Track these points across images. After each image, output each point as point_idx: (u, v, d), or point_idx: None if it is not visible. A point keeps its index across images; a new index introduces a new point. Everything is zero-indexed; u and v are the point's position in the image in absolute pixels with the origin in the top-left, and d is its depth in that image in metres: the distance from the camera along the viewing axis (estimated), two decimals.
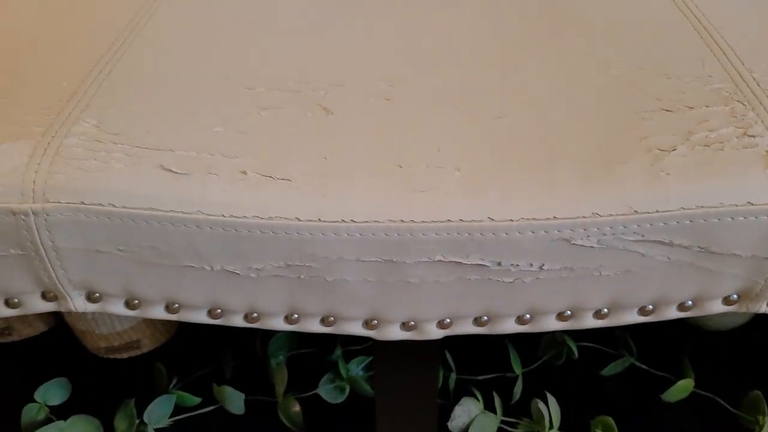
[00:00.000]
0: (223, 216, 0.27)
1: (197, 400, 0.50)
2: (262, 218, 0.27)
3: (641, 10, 0.37)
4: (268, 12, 0.38)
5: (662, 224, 0.27)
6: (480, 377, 0.53)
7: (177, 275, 0.29)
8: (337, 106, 0.31)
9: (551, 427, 0.47)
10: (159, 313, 0.31)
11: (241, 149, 0.28)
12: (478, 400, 0.48)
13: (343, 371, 0.50)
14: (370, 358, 0.52)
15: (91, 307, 0.31)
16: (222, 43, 0.36)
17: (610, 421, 0.48)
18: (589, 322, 0.31)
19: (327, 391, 0.50)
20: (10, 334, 0.54)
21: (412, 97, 0.31)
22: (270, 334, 0.54)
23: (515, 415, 0.50)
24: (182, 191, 0.27)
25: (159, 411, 0.48)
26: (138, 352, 0.54)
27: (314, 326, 0.31)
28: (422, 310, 0.30)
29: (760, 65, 0.31)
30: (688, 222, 0.27)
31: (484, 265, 0.28)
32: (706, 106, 0.29)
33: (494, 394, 0.49)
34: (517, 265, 0.28)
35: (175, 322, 0.56)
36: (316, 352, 0.54)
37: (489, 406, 0.49)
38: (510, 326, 0.31)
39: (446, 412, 0.48)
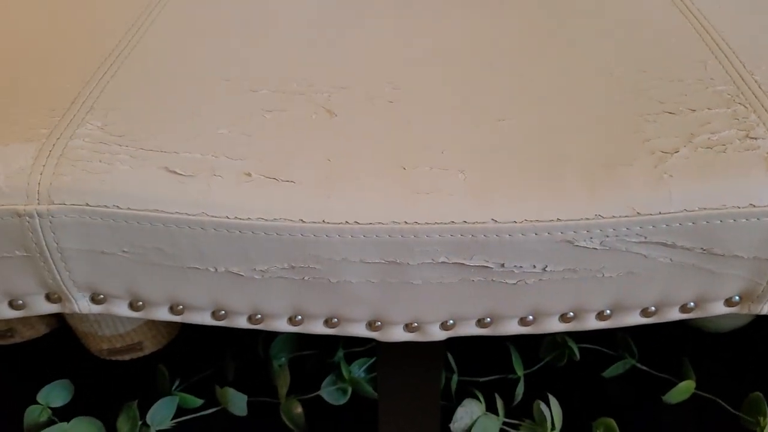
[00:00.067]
0: (228, 218, 0.27)
1: (200, 401, 0.50)
2: (266, 220, 0.27)
3: (643, 13, 0.37)
4: (271, 14, 0.39)
5: (665, 226, 0.27)
6: (482, 379, 0.54)
7: (181, 277, 0.29)
8: (341, 109, 0.31)
9: (553, 428, 0.47)
10: (163, 314, 0.31)
11: (245, 151, 0.28)
12: (480, 401, 0.49)
13: (345, 373, 0.50)
14: (373, 360, 0.52)
15: (95, 309, 0.31)
16: (225, 45, 0.36)
17: (612, 422, 0.48)
18: (592, 323, 0.31)
19: (329, 393, 0.50)
20: (12, 336, 0.55)
21: (415, 100, 0.31)
22: (272, 335, 0.54)
23: (517, 417, 0.50)
24: (187, 193, 0.27)
25: (161, 413, 0.48)
26: (140, 354, 0.54)
27: (318, 328, 0.31)
28: (425, 312, 0.30)
29: (762, 67, 0.32)
30: (690, 224, 0.27)
31: (488, 267, 0.28)
32: (708, 109, 0.30)
33: (496, 395, 0.49)
34: (521, 267, 0.28)
35: (177, 324, 0.56)
36: (318, 354, 0.54)
37: (491, 408, 0.49)
38: (513, 328, 0.31)
39: (448, 414, 0.48)
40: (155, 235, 0.28)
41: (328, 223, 0.27)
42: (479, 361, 0.54)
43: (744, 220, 0.27)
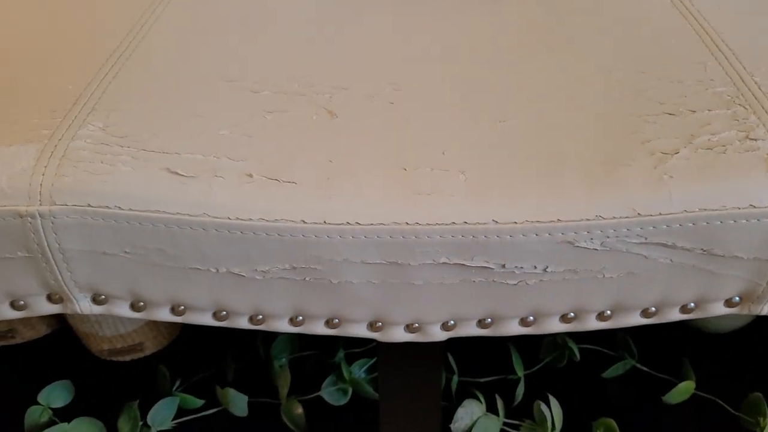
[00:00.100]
0: (229, 218, 0.27)
1: (200, 402, 0.51)
2: (267, 221, 0.27)
3: (643, 13, 0.37)
4: (272, 14, 0.39)
5: (665, 227, 0.27)
6: (482, 379, 0.54)
7: (183, 277, 0.29)
8: (342, 110, 0.31)
9: (553, 428, 0.47)
10: (164, 315, 0.31)
11: (246, 152, 0.28)
12: (481, 402, 0.49)
13: (345, 373, 0.50)
14: (373, 361, 0.52)
15: (96, 310, 0.31)
16: (226, 45, 0.36)
17: (612, 422, 0.48)
18: (592, 324, 0.31)
19: (330, 394, 0.50)
20: (13, 336, 0.55)
21: (416, 101, 0.31)
22: (272, 336, 0.54)
23: (517, 417, 0.50)
24: (188, 194, 0.27)
25: (162, 413, 0.48)
26: (141, 355, 0.55)
27: (319, 328, 0.31)
28: (426, 312, 0.30)
29: (761, 69, 0.32)
30: (690, 225, 0.27)
31: (489, 268, 0.28)
32: (708, 110, 0.30)
33: (496, 396, 0.49)
34: (521, 268, 0.28)
35: (178, 325, 0.57)
36: (318, 355, 0.54)
37: (491, 408, 0.49)
38: (513, 328, 0.31)
39: (449, 414, 0.48)
40: (157, 235, 0.28)
41: (329, 223, 0.27)
42: (479, 362, 0.55)
43: (744, 221, 0.27)
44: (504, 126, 0.30)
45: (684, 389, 0.50)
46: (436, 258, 0.28)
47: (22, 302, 0.31)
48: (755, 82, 0.31)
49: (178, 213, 0.27)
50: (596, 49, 0.35)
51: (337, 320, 0.31)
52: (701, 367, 0.53)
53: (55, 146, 0.28)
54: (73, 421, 0.47)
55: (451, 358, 0.53)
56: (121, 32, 0.36)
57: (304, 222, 0.27)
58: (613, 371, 0.54)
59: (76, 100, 0.31)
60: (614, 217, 0.27)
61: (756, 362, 0.56)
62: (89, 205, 0.27)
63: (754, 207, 0.27)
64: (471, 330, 0.31)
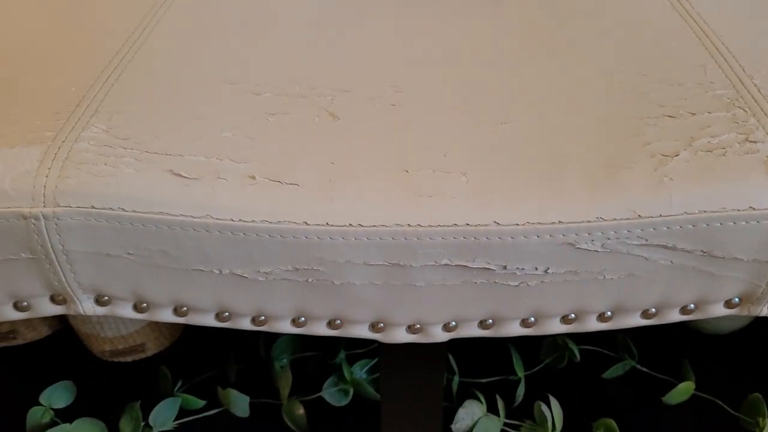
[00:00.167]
0: (232, 220, 0.27)
1: (202, 403, 0.51)
2: (270, 222, 0.27)
3: (643, 16, 0.38)
4: (274, 16, 0.39)
5: (665, 229, 0.27)
6: (483, 380, 0.54)
7: (186, 279, 0.29)
8: (344, 112, 0.31)
9: (554, 429, 0.48)
10: (167, 316, 0.31)
11: (249, 154, 0.29)
12: (481, 402, 0.49)
13: (347, 374, 0.51)
14: (374, 361, 0.52)
15: (99, 311, 0.31)
16: (229, 47, 0.36)
17: (612, 423, 0.48)
18: (593, 325, 0.31)
19: (331, 394, 0.51)
20: (14, 337, 0.55)
21: (418, 103, 0.32)
22: (273, 337, 0.54)
23: (518, 418, 0.50)
24: (192, 196, 0.27)
25: (164, 414, 0.48)
26: (142, 356, 0.55)
27: (321, 329, 0.31)
28: (428, 313, 0.30)
29: (761, 72, 0.32)
30: (690, 226, 0.27)
31: (490, 269, 0.28)
32: (708, 112, 0.30)
33: (497, 396, 0.49)
34: (523, 269, 0.28)
35: (180, 326, 0.57)
36: (319, 355, 0.55)
37: (492, 409, 0.49)
38: (515, 329, 0.31)
39: (450, 415, 0.49)
40: (160, 237, 0.28)
41: (331, 225, 0.27)
42: (480, 363, 0.55)
43: (744, 222, 0.27)
44: (505, 128, 0.30)
45: (684, 390, 0.50)
46: (437, 259, 0.28)
47: (26, 303, 0.31)
48: (755, 85, 0.31)
49: (181, 215, 0.27)
50: (597, 52, 0.35)
51: (339, 321, 0.31)
52: (701, 368, 0.53)
53: (59, 148, 0.29)
54: (75, 422, 0.47)
55: (451, 359, 0.53)
56: (123, 34, 0.36)
57: (307, 224, 0.27)
58: (613, 372, 0.54)
59: (79, 102, 0.31)
60: (615, 219, 0.27)
61: (755, 363, 0.57)
62: (93, 207, 0.27)
63: (754, 209, 0.27)
64: (472, 331, 0.31)
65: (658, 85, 0.32)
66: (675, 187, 0.27)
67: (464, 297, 0.29)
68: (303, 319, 0.31)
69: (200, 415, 0.51)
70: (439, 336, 0.31)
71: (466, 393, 0.52)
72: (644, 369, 0.55)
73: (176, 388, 0.52)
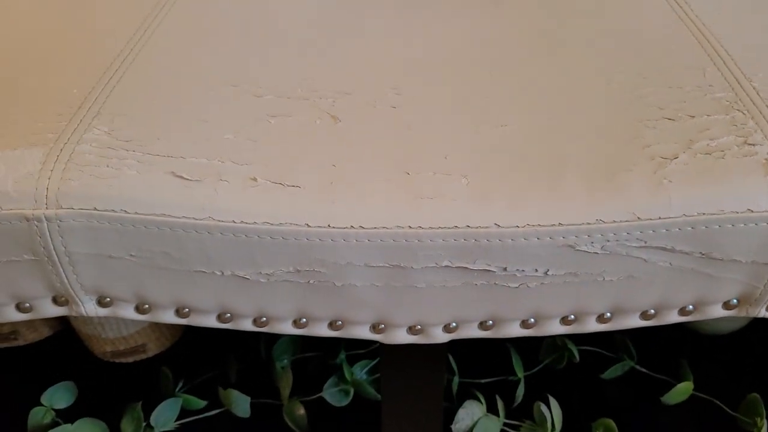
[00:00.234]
0: (234, 222, 0.27)
1: (203, 403, 0.51)
2: (272, 224, 0.27)
3: (643, 19, 0.38)
4: (275, 20, 0.39)
5: (664, 231, 0.27)
6: (483, 380, 0.54)
7: (188, 280, 0.29)
8: (345, 114, 0.31)
9: (553, 429, 0.48)
10: (169, 317, 0.32)
11: (251, 156, 0.29)
12: (481, 402, 0.49)
13: (347, 375, 0.51)
14: (374, 362, 0.52)
15: (101, 312, 0.32)
16: (230, 49, 0.36)
17: (611, 423, 0.48)
18: (592, 326, 0.31)
19: (331, 395, 0.51)
20: (15, 338, 0.55)
21: (418, 105, 0.32)
22: (274, 337, 0.54)
23: (518, 418, 0.50)
24: (194, 198, 0.28)
25: (165, 414, 0.48)
26: (144, 356, 0.55)
27: (322, 330, 0.32)
28: (429, 315, 0.30)
29: (759, 74, 0.32)
30: (689, 228, 0.27)
31: (490, 271, 0.28)
32: (707, 115, 0.30)
33: (497, 397, 0.50)
34: (523, 271, 0.28)
35: (180, 326, 0.57)
36: (320, 356, 0.55)
37: (492, 409, 0.49)
38: (515, 330, 0.31)
39: (450, 415, 0.49)
40: (162, 239, 0.28)
41: (333, 227, 0.27)
42: (480, 363, 0.55)
43: (742, 225, 0.27)
44: (505, 130, 0.30)
45: (682, 390, 0.51)
46: (438, 261, 0.28)
47: (28, 304, 0.31)
48: (753, 88, 0.31)
49: (183, 216, 0.27)
50: (596, 55, 0.35)
51: (340, 322, 0.31)
52: (699, 368, 0.54)
53: (61, 150, 0.29)
54: (76, 422, 0.47)
55: (452, 359, 0.53)
56: (124, 36, 0.36)
57: (308, 225, 0.27)
58: (612, 372, 0.55)
59: (81, 104, 0.31)
60: (614, 221, 0.27)
61: (753, 363, 0.57)
62: (95, 209, 0.28)
63: (752, 211, 0.27)
64: (472, 332, 0.32)
65: (657, 88, 0.32)
66: (674, 190, 0.27)
67: (464, 298, 0.29)
68: (304, 320, 0.31)
69: (201, 416, 0.51)
70: (440, 337, 0.31)
71: (466, 393, 0.52)
72: (643, 369, 0.55)
73: (177, 389, 0.52)
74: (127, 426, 0.47)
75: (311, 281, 0.29)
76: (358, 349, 0.54)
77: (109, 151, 0.29)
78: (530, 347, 0.55)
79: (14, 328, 0.54)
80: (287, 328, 0.32)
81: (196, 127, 0.30)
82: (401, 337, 0.31)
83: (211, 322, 0.32)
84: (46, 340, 0.56)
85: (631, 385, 0.55)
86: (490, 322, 0.31)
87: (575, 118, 0.31)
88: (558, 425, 0.48)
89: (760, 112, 0.30)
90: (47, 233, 0.28)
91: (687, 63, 0.34)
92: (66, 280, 0.30)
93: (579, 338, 0.55)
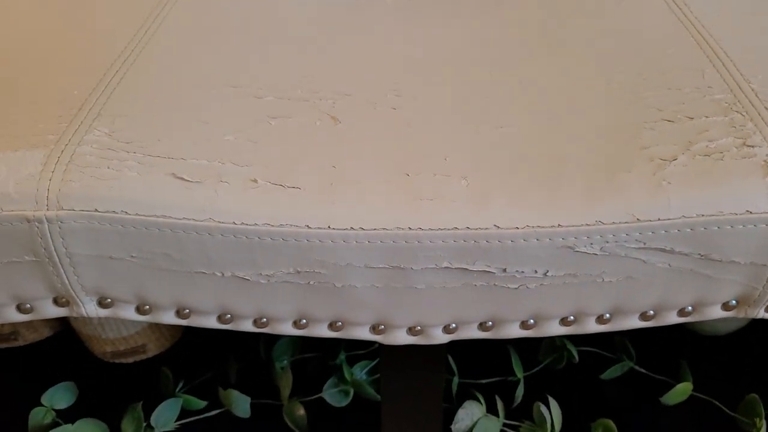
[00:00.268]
0: (235, 223, 0.27)
1: (203, 403, 0.51)
2: (272, 226, 0.27)
3: (642, 21, 0.38)
4: (276, 21, 0.39)
5: (663, 232, 0.27)
6: (482, 381, 0.54)
7: (188, 281, 0.30)
8: (345, 115, 0.31)
9: (553, 429, 0.48)
10: (170, 318, 0.32)
11: (251, 158, 0.29)
12: (481, 403, 0.49)
13: (347, 375, 0.51)
14: (374, 362, 0.52)
15: (102, 313, 0.32)
16: (230, 50, 0.36)
17: (611, 423, 0.49)
18: (592, 327, 0.31)
19: (331, 395, 0.51)
20: (16, 339, 0.55)
21: (419, 107, 0.32)
22: (274, 338, 0.54)
23: (517, 418, 0.51)
24: (194, 199, 0.28)
25: (165, 414, 0.48)
26: (143, 357, 0.55)
27: (322, 331, 0.32)
28: (429, 316, 0.31)
29: (758, 76, 0.32)
30: (688, 230, 0.27)
31: (490, 272, 0.28)
32: (706, 117, 0.30)
33: (496, 397, 0.50)
34: (522, 272, 0.28)
35: (180, 327, 0.57)
36: (320, 356, 0.55)
37: (491, 410, 0.49)
38: (514, 331, 0.31)
39: (449, 416, 0.49)
40: (163, 240, 0.28)
41: (333, 228, 0.27)
42: (480, 364, 0.55)
43: (741, 226, 0.27)
44: (505, 133, 0.30)
45: (681, 390, 0.51)
46: (438, 262, 0.28)
47: (29, 305, 0.31)
48: (752, 90, 0.31)
49: (184, 218, 0.28)
50: (596, 56, 0.35)
51: (340, 323, 0.31)
52: (698, 369, 0.54)
53: (62, 151, 0.29)
54: (77, 423, 0.47)
55: (451, 360, 0.53)
56: (125, 37, 0.37)
57: (309, 227, 0.27)
58: (611, 373, 0.55)
59: (82, 106, 0.31)
60: (614, 223, 0.27)
61: (752, 364, 0.57)
62: (96, 210, 0.28)
63: (751, 213, 0.27)
64: (472, 333, 0.32)
65: (656, 90, 0.32)
66: (673, 191, 0.27)
67: (464, 299, 0.30)
68: (304, 321, 0.31)
69: (201, 416, 0.51)
70: (440, 338, 0.32)
71: (466, 394, 0.52)
72: (642, 370, 0.55)
73: (177, 389, 0.52)
74: (128, 426, 0.47)
75: (311, 282, 0.29)
76: (358, 349, 0.54)
77: (110, 153, 0.29)
78: (530, 348, 0.56)
79: (14, 329, 0.54)
80: (287, 329, 0.32)
81: (197, 128, 0.30)
82: (401, 337, 0.32)
83: (211, 323, 0.32)
84: (47, 340, 0.56)
85: (631, 385, 0.55)
86: (490, 323, 0.31)
87: (575, 120, 0.31)
88: (557, 425, 0.48)
89: (759, 114, 0.30)
90: (48, 234, 0.28)
91: (686, 64, 0.34)
92: (67, 281, 0.30)
93: (578, 339, 0.56)
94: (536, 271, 0.28)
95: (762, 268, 0.29)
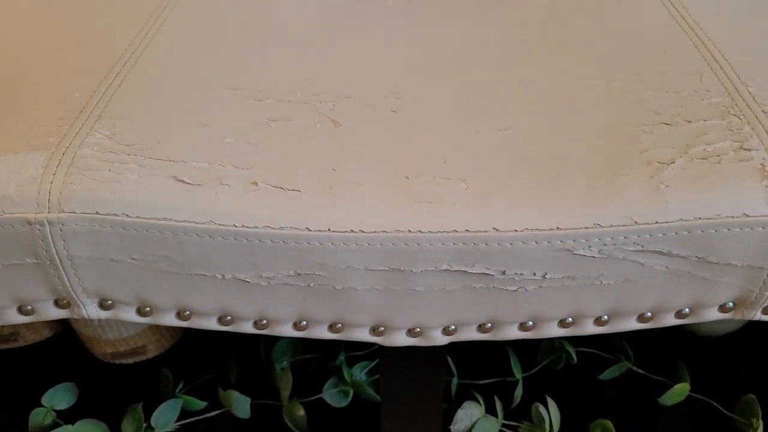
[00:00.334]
0: (235, 226, 0.28)
1: (203, 404, 0.51)
2: (273, 228, 0.28)
3: (641, 24, 0.38)
4: (276, 23, 0.39)
5: (661, 235, 0.27)
6: (481, 382, 0.54)
7: (189, 283, 0.30)
8: (345, 118, 0.31)
9: (551, 430, 0.48)
10: (170, 320, 0.32)
11: (252, 160, 0.29)
12: (480, 404, 0.49)
13: (346, 376, 0.51)
14: (373, 363, 0.52)
15: (103, 315, 0.32)
16: (231, 53, 0.36)
17: (609, 424, 0.49)
18: (590, 328, 0.32)
19: (331, 396, 0.51)
20: (16, 340, 0.55)
21: (418, 110, 0.32)
22: (274, 339, 0.55)
23: (516, 419, 0.51)
24: (195, 202, 0.28)
25: (166, 415, 0.49)
26: (143, 358, 0.55)
27: (322, 333, 0.32)
28: (428, 317, 0.31)
29: (756, 79, 0.32)
30: (686, 233, 0.27)
31: (489, 274, 0.28)
32: (704, 120, 0.30)
33: (495, 398, 0.50)
34: (521, 274, 0.28)
35: (180, 328, 0.57)
36: (319, 357, 0.55)
37: (490, 410, 0.49)
38: (513, 333, 0.32)
39: (449, 416, 0.49)
40: (164, 243, 0.28)
41: (333, 231, 0.27)
42: (479, 365, 0.55)
43: (738, 229, 0.27)
44: (504, 135, 0.30)
45: (679, 391, 0.51)
46: (437, 265, 0.28)
47: (30, 307, 0.31)
48: (750, 93, 0.31)
49: (184, 220, 0.28)
50: (595, 60, 0.35)
51: (340, 325, 0.31)
52: (696, 370, 0.54)
53: (63, 154, 0.29)
54: (77, 423, 0.47)
55: (450, 361, 0.53)
56: (125, 39, 0.37)
57: (309, 229, 0.27)
58: (609, 373, 0.55)
59: (83, 108, 0.31)
60: (612, 226, 0.27)
61: (749, 365, 0.57)
62: (97, 213, 0.28)
63: (748, 216, 0.27)
64: (471, 334, 0.32)
65: (654, 93, 0.32)
66: (671, 194, 0.27)
67: (464, 301, 0.30)
68: (304, 322, 0.31)
69: (201, 417, 0.51)
70: (439, 339, 0.32)
71: (465, 394, 0.52)
72: (640, 371, 0.55)
73: (178, 390, 0.52)
74: (128, 427, 0.47)
75: (311, 284, 0.29)
76: (358, 350, 0.54)
77: (111, 155, 0.29)
78: (528, 349, 0.56)
79: (15, 330, 0.54)
80: (287, 331, 0.32)
81: (197, 130, 0.30)
82: (401, 339, 0.32)
83: (211, 324, 0.32)
84: (47, 341, 0.57)
85: (629, 386, 0.56)
86: (489, 324, 0.31)
87: (573, 123, 0.31)
88: (556, 426, 0.48)
89: (756, 118, 0.30)
90: (49, 237, 0.28)
91: (684, 68, 0.34)
92: (68, 283, 0.30)
93: (577, 340, 0.56)
94: (535, 274, 0.28)
95: (758, 271, 0.29)
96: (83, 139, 0.30)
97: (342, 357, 0.53)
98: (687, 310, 0.31)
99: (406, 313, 0.30)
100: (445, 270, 0.28)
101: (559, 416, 0.49)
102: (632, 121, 0.31)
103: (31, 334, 0.55)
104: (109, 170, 0.28)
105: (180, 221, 0.28)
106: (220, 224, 0.28)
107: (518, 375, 0.53)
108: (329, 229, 0.27)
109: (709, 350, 0.58)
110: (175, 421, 0.50)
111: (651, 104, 0.31)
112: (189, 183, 0.28)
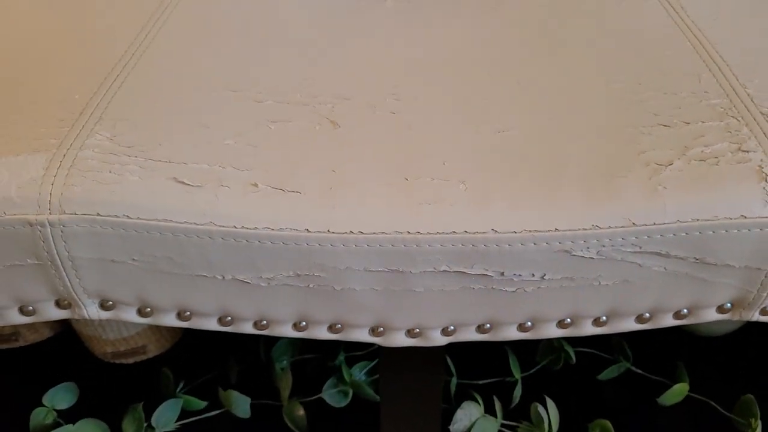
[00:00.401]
0: (235, 227, 0.28)
1: (203, 404, 0.51)
2: (272, 229, 0.28)
3: (639, 26, 0.38)
4: (277, 24, 0.39)
5: (659, 236, 0.28)
6: (480, 382, 0.54)
7: (189, 284, 0.30)
8: (344, 120, 0.31)
9: (550, 430, 0.48)
10: (170, 320, 0.32)
11: (251, 162, 0.29)
12: (479, 404, 0.49)
13: (346, 376, 0.51)
14: (373, 363, 0.52)
15: (104, 315, 0.32)
16: (231, 54, 0.36)
17: (608, 424, 0.49)
18: (588, 329, 0.32)
19: (331, 396, 0.51)
20: (16, 339, 0.55)
21: (418, 111, 0.32)
22: (274, 339, 0.55)
23: (515, 419, 0.51)
24: (195, 203, 0.28)
25: (166, 415, 0.49)
26: (144, 357, 0.55)
27: (322, 333, 0.32)
28: (427, 318, 0.31)
29: (754, 81, 0.32)
30: (684, 234, 0.28)
31: (488, 275, 0.29)
32: (702, 122, 0.30)
33: (494, 398, 0.50)
34: (520, 275, 0.29)
35: (180, 328, 0.57)
36: (319, 357, 0.55)
37: (489, 410, 0.50)
38: (512, 333, 0.32)
39: (448, 416, 0.49)
40: (164, 244, 0.28)
41: (332, 232, 0.28)
42: (478, 365, 0.55)
43: (735, 230, 0.28)
44: (504, 137, 0.30)
45: (678, 391, 0.51)
46: (436, 266, 0.28)
47: (31, 308, 0.31)
48: (748, 94, 0.32)
49: (185, 222, 0.28)
50: (593, 61, 0.35)
51: (339, 325, 0.32)
52: (695, 370, 0.54)
53: (64, 156, 0.29)
54: (78, 423, 0.48)
55: (450, 361, 0.53)
56: (125, 40, 0.37)
57: (308, 231, 0.28)
58: (608, 374, 0.55)
59: (83, 110, 0.31)
60: (610, 227, 0.27)
61: (748, 365, 0.57)
62: (98, 214, 0.28)
63: (745, 217, 0.27)
64: (470, 335, 0.32)
65: (653, 94, 0.32)
66: (669, 196, 0.27)
67: (463, 302, 0.30)
68: (304, 323, 0.32)
69: (202, 416, 0.52)
70: (438, 340, 0.32)
71: (464, 394, 0.52)
72: (639, 371, 0.56)
73: (178, 390, 0.52)
74: (129, 426, 0.48)
75: (311, 285, 0.29)
76: (357, 350, 0.55)
77: (112, 157, 0.29)
78: (527, 349, 0.56)
79: (15, 330, 0.54)
80: (287, 331, 0.32)
81: (197, 132, 0.30)
82: (400, 340, 0.32)
83: (212, 325, 0.32)
84: (47, 341, 0.57)
85: (627, 386, 0.56)
86: (488, 325, 0.31)
87: (572, 125, 0.31)
88: (555, 426, 0.48)
89: (754, 119, 0.30)
90: (50, 238, 0.28)
91: (683, 69, 0.34)
92: (69, 284, 0.30)
93: (575, 340, 0.56)
94: (533, 275, 0.29)
95: (756, 272, 0.29)
96: (84, 140, 0.30)
97: (341, 357, 0.53)
98: (685, 311, 0.31)
99: (406, 314, 0.30)
100: (444, 271, 0.28)
101: (558, 416, 0.49)
102: (631, 122, 0.31)
103: (31, 334, 0.55)
104: (110, 172, 0.29)
105: (180, 222, 0.28)
106: (220, 225, 0.28)
107: (517, 375, 0.53)
108: (329, 231, 0.28)
109: (707, 350, 0.58)
110: (176, 421, 0.50)
111: (650, 105, 0.32)
112: (189, 184, 0.28)
